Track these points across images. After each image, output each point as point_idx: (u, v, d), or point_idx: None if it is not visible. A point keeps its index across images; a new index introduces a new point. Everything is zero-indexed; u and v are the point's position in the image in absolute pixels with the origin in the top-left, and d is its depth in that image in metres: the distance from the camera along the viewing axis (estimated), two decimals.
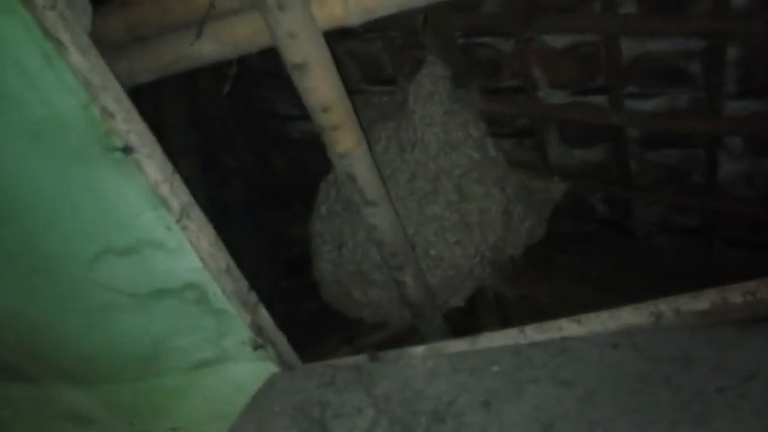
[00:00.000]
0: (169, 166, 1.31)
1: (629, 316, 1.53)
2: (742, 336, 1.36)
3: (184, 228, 1.36)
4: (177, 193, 1.33)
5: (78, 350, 1.61)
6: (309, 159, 3.68)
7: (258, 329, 1.63)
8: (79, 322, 1.54)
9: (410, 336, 2.77)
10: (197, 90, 3.61)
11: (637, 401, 1.30)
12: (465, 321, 3.06)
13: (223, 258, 1.46)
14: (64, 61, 1.12)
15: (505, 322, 3.09)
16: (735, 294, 1.44)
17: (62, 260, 1.39)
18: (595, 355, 1.45)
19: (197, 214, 1.39)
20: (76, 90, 1.15)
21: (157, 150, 1.28)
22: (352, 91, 3.13)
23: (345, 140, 1.63)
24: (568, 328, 1.57)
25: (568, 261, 3.17)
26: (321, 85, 1.50)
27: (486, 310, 3.15)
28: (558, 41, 2.41)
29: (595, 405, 1.32)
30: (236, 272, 1.51)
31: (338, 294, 2.95)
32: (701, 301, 1.46)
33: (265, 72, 3.28)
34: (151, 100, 3.09)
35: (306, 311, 3.44)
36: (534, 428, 1.30)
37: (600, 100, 2.52)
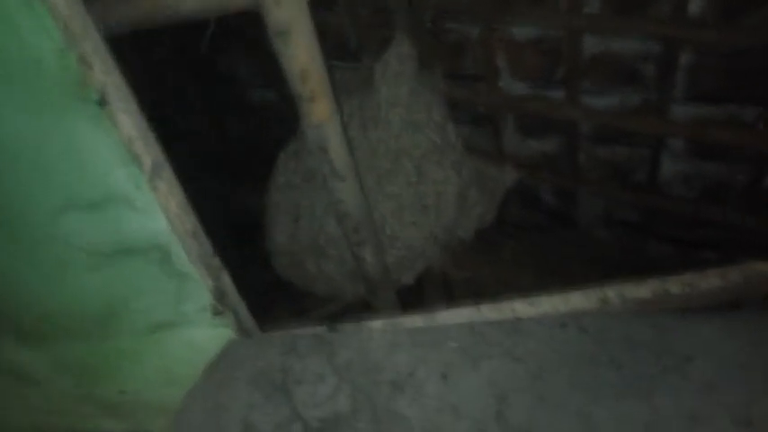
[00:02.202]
0: (144, 122, 1.27)
1: (577, 299, 1.61)
2: (681, 322, 1.46)
3: (154, 187, 1.32)
4: (150, 151, 1.29)
5: (33, 307, 1.54)
6: (267, 128, 3.62)
7: (220, 295, 1.61)
8: (35, 279, 1.47)
9: (361, 310, 2.80)
10: (154, 45, 3.46)
11: (584, 378, 1.37)
12: (413, 299, 3.11)
13: (190, 221, 1.43)
14: (44, 3, 1.06)
15: (450, 302, 3.16)
16: (675, 285, 1.54)
17: (24, 212, 1.32)
18: (546, 335, 1.51)
19: (168, 174, 1.36)
20: (55, 35, 1.09)
21: (133, 105, 1.24)
22: None
23: (321, 111, 1.62)
24: (521, 308, 1.63)
25: (515, 247, 3.28)
26: (302, 53, 1.48)
27: (433, 290, 3.21)
28: (523, 33, 2.46)
29: (545, 381, 1.39)
30: (203, 236, 1.48)
31: (291, 266, 2.94)
32: (644, 289, 1.56)
33: (231, 35, 3.18)
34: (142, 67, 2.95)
35: (256, 282, 3.39)
36: (489, 400, 1.36)
37: (557, 94, 2.60)
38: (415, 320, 1.69)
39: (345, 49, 3.02)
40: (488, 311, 1.66)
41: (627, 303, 1.56)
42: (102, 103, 1.19)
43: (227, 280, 1.62)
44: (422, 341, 1.56)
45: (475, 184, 2.87)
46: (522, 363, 1.46)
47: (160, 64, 3.63)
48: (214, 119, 4.00)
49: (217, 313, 1.64)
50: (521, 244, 3.26)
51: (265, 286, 3.27)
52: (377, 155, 2.65)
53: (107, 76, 1.18)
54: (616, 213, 2.98)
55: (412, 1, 2.50)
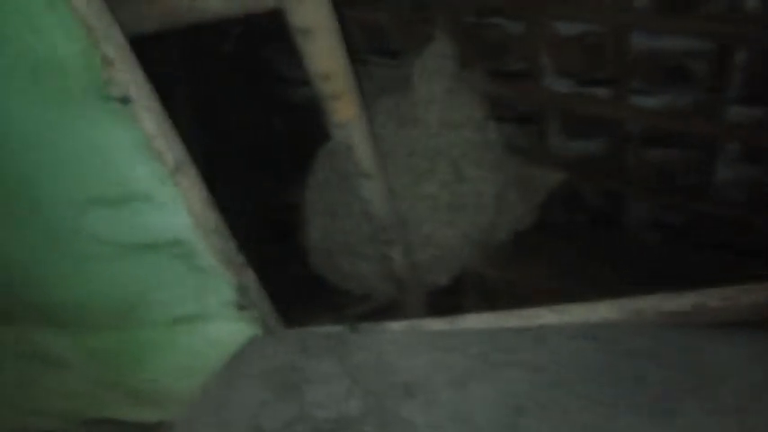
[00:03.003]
0: (166, 121, 1.30)
1: (607, 310, 1.55)
2: (717, 339, 1.38)
3: (177, 183, 1.36)
4: (172, 148, 1.32)
5: (61, 296, 1.61)
6: (310, 126, 3.66)
7: (243, 291, 1.63)
8: (64, 268, 1.54)
9: (394, 310, 2.80)
10: (201, 46, 3.56)
11: (606, 393, 1.32)
12: (447, 300, 3.08)
13: (213, 217, 1.46)
14: (66, 4, 1.10)
15: (487, 305, 3.12)
16: (713, 298, 1.46)
17: (53, 206, 1.38)
18: (570, 346, 1.46)
19: (190, 171, 1.39)
20: (77, 35, 1.13)
21: (155, 103, 1.27)
22: (355, 60, 3.13)
23: (345, 110, 1.62)
24: (547, 316, 1.58)
25: (556, 250, 3.18)
26: (324, 52, 1.49)
27: (469, 292, 3.17)
28: (568, 29, 2.39)
29: (566, 394, 1.34)
30: (225, 231, 1.51)
31: (326, 263, 2.96)
32: (680, 302, 1.48)
33: (274, 34, 3.23)
34: (153, 51, 3.05)
35: (292, 277, 3.45)
36: (503, 411, 1.32)
37: (604, 93, 2.51)
38: (436, 324, 1.67)
39: (387, 47, 3.01)
40: (513, 318, 1.62)
41: (661, 316, 1.49)
42: (125, 101, 1.22)
43: (250, 276, 1.64)
44: (440, 345, 1.54)
45: (515, 184, 2.81)
46: (542, 373, 1.42)
47: (209, 62, 3.72)
48: (260, 117, 4.08)
49: (240, 308, 1.67)
50: (563, 247, 3.17)
51: (302, 283, 3.32)
52: (414, 154, 2.64)
53: (130, 74, 1.22)
54: (664, 217, 2.86)
55: None
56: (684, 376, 1.30)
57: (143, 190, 1.37)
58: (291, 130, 3.99)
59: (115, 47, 1.18)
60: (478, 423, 1.31)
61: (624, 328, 1.49)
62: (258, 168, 4.12)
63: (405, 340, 1.59)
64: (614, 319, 1.52)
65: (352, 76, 1.61)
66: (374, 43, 3.04)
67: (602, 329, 1.49)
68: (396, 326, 1.69)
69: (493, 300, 3.15)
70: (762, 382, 1.20)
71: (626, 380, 1.35)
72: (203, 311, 1.68)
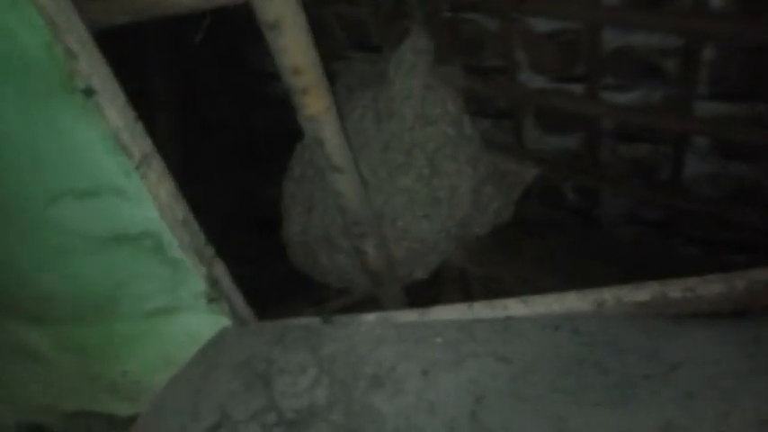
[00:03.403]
0: (131, 113, 1.31)
1: (573, 301, 1.58)
2: (677, 328, 1.41)
3: (143, 176, 1.37)
4: (138, 141, 1.33)
5: (34, 289, 1.62)
6: (290, 120, 3.67)
7: (213, 283, 1.65)
8: (36, 262, 1.55)
9: (372, 304, 2.82)
10: (181, 40, 3.56)
11: (567, 382, 1.35)
12: (428, 294, 3.11)
13: (180, 209, 1.47)
14: None
15: (468, 299, 3.15)
16: (674, 289, 1.49)
17: (21, 199, 1.39)
18: (536, 336, 1.49)
19: (157, 163, 1.40)
20: (40, 28, 1.14)
21: (120, 95, 1.28)
22: (336, 55, 3.15)
23: (315, 104, 1.64)
24: (514, 307, 1.61)
25: (534, 245, 3.21)
26: (293, 46, 1.50)
27: (450, 286, 3.20)
28: (542, 25, 2.42)
29: (528, 383, 1.37)
30: (194, 224, 1.52)
31: (305, 257, 2.98)
32: (641, 293, 1.52)
33: (253, 27, 3.24)
34: (132, 45, 3.05)
35: (274, 272, 3.47)
36: (467, 399, 1.35)
37: (578, 88, 2.54)
38: (408, 315, 1.70)
39: (366, 42, 3.03)
40: (480, 308, 1.65)
41: (623, 306, 1.53)
42: (89, 93, 1.23)
43: (220, 268, 1.66)
44: (409, 336, 1.56)
45: (492, 179, 2.84)
46: (506, 363, 1.44)
47: (190, 58, 3.72)
48: (240, 111, 4.08)
49: (211, 300, 1.69)
50: (541, 242, 3.20)
51: (283, 277, 3.34)
52: (390, 148, 2.66)
53: (93, 67, 1.23)
54: (640, 212, 2.90)
55: None
56: (643, 364, 1.33)
57: (110, 182, 1.38)
58: (271, 125, 4.00)
59: (78, 40, 1.19)
60: (442, 411, 1.34)
61: (588, 318, 1.52)
62: (239, 163, 4.13)
63: (376, 332, 1.61)
64: (579, 310, 1.55)
65: (322, 70, 1.62)
66: (354, 38, 3.05)
67: (566, 320, 1.52)
68: (368, 318, 1.71)
69: (472, 294, 3.18)
70: (715, 366, 1.23)
71: (588, 369, 1.38)
72: (176, 304, 1.69)
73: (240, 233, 3.80)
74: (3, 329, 1.84)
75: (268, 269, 3.42)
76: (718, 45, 2.05)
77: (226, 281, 1.67)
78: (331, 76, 3.14)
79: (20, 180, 1.36)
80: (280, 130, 3.89)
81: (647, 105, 2.42)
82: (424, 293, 3.08)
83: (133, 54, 3.05)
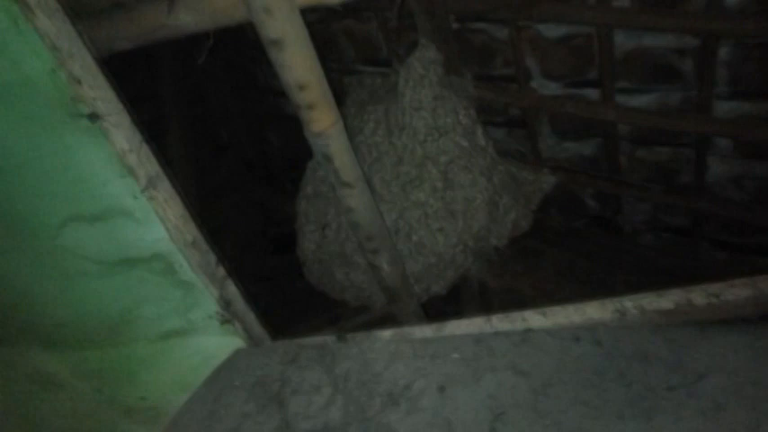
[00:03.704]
0: (137, 135, 1.33)
1: (593, 310, 1.55)
2: (701, 336, 1.38)
3: (151, 198, 1.38)
4: (144, 163, 1.34)
5: (48, 315, 1.64)
6: (302, 137, 3.70)
7: (226, 304, 1.65)
8: (49, 287, 1.57)
9: (390, 321, 2.80)
10: (192, 63, 3.62)
11: (589, 395, 1.32)
12: (447, 310, 3.09)
13: (190, 231, 1.48)
14: (31, 25, 1.13)
15: (489, 313, 3.12)
16: (699, 295, 1.46)
17: (31, 225, 1.41)
18: (556, 348, 1.47)
19: (164, 185, 1.41)
20: (44, 55, 1.17)
21: (125, 119, 1.30)
22: (346, 71, 3.17)
23: (321, 120, 1.64)
24: (533, 319, 1.59)
25: (555, 255, 3.19)
26: (297, 63, 1.51)
27: (470, 300, 3.18)
28: (552, 31, 2.41)
29: (548, 396, 1.35)
30: (204, 244, 1.53)
31: (321, 275, 2.97)
32: (665, 300, 1.48)
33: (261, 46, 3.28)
34: (143, 69, 3.11)
35: (291, 290, 3.47)
36: (485, 415, 1.33)
37: (592, 93, 2.52)
38: (423, 331, 1.68)
39: (376, 56, 3.05)
40: (498, 321, 1.63)
41: (646, 315, 1.50)
42: (94, 117, 1.25)
43: (232, 289, 1.66)
44: (424, 352, 1.55)
45: (508, 189, 2.82)
46: (525, 377, 1.42)
47: (202, 77, 3.78)
48: (253, 130, 4.12)
49: (224, 322, 1.69)
50: (561, 251, 3.17)
51: (300, 295, 3.34)
52: (402, 161, 2.66)
53: (98, 91, 1.25)
54: (663, 218, 2.84)
55: (435, 4, 2.49)
56: (668, 375, 1.30)
57: (118, 205, 1.39)
58: (284, 142, 4.04)
59: (82, 65, 1.21)
60: (459, 429, 1.31)
61: (610, 328, 1.49)
62: (253, 182, 4.17)
63: (391, 348, 1.60)
64: (600, 320, 1.52)
65: (327, 85, 1.63)
66: (363, 53, 3.08)
67: (587, 331, 1.50)
68: (383, 334, 1.70)
69: (495, 307, 3.15)
70: (743, 375, 1.19)
71: (610, 380, 1.35)
72: (188, 326, 1.69)
73: (255, 252, 3.83)
74: (19, 357, 1.86)
75: (284, 287, 3.44)
76: (735, 43, 2.02)
77: (239, 302, 1.67)
78: (342, 92, 3.19)
79: (30, 206, 1.38)
80: (293, 147, 3.95)
81: (664, 108, 2.39)
82: (442, 309, 3.06)
83: (144, 75, 3.11)
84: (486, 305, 3.19)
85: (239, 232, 3.88)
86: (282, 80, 1.57)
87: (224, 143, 4.18)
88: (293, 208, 3.14)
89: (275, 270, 3.63)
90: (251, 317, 1.74)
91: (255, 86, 3.89)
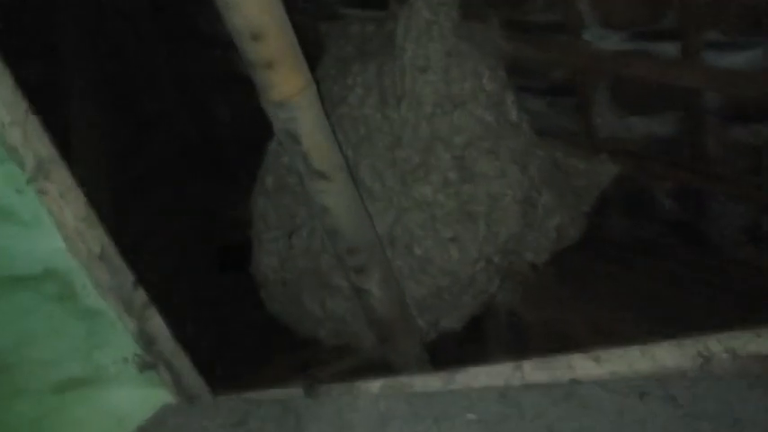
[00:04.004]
0: (22, 103, 1.33)
1: (666, 355, 1.57)
2: None
3: (41, 191, 1.39)
4: (32, 142, 1.35)
5: None
6: (261, 108, 3.70)
7: (147, 343, 1.66)
8: None
9: (383, 368, 2.80)
10: (107, 5, 3.62)
11: None
12: (463, 353, 3.09)
13: (97, 238, 1.48)
14: None
15: (522, 357, 3.12)
16: None
17: None
18: (613, 407, 1.49)
19: (61, 174, 1.41)
20: None
21: (5, 79, 1.30)
22: (323, 14, 3.18)
23: (284, 83, 1.64)
24: (581, 365, 1.61)
25: (615, 276, 3.20)
26: (250, 3, 1.51)
27: (495, 339, 3.18)
28: None
29: None
30: (117, 259, 1.53)
31: (286, 301, 2.98)
32: (765, 342, 1.50)
33: None
34: (41, 14, 3.11)
35: (242, 324, 3.48)
36: None
37: (669, 49, 2.53)
38: (425, 382, 1.69)
39: None
40: (533, 370, 1.65)
41: (740, 362, 1.51)
42: None
43: (157, 321, 1.67)
44: (429, 412, 1.56)
45: (551, 183, 2.82)
46: None
47: (121, 24, 3.79)
48: (192, 97, 4.12)
49: (144, 368, 1.69)
50: (624, 271, 3.18)
51: (256, 330, 3.34)
52: (401, 143, 2.66)
53: None
54: (765, 225, 2.86)
55: None
56: None
57: None
58: (236, 116, 4.03)
59: None
60: None
61: (689, 380, 1.50)
62: (191, 171, 4.17)
63: (381, 406, 1.61)
64: (676, 368, 1.54)
65: (293, 35, 1.63)
66: None
67: (657, 383, 1.52)
68: (371, 386, 1.71)
69: (527, 351, 3.16)
70: None
71: None
72: (95, 373, 1.70)
73: (193, 269, 3.82)
74: None
75: (233, 320, 3.43)
76: None
77: (166, 340, 1.68)
78: (317, 45, 3.19)
79: None
80: (248, 121, 3.95)
81: None
82: (455, 352, 3.07)
83: (35, 18, 3.11)
84: (518, 346, 3.20)
85: (170, 241, 3.87)
86: (229, 26, 1.57)
87: (151, 116, 4.18)
88: (248, 207, 3.14)
89: (221, 295, 3.62)
90: (183, 361, 1.74)
91: (195, 36, 3.88)
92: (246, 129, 3.92)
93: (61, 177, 1.41)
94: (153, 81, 4.13)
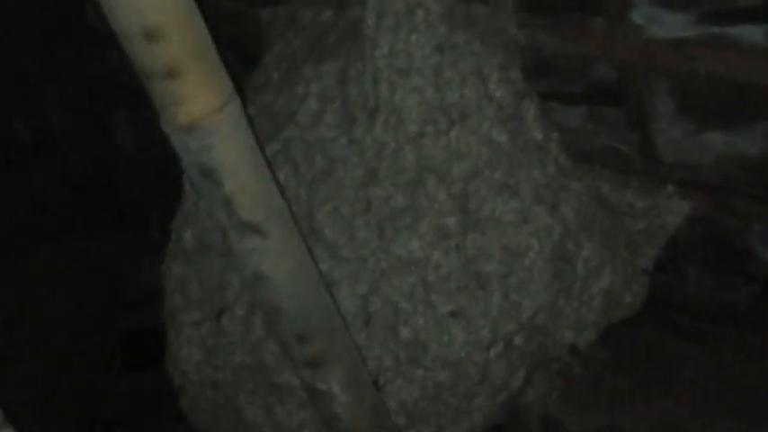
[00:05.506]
0: None
1: None
2: None
3: None
4: None
5: None
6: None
7: None
8: None
9: None
10: None
11: None
12: None
13: None
14: None
15: None
16: None
17: None
18: None
19: None
20: None
21: None
22: None
23: (195, 99, 1.62)
24: None
25: (695, 358, 3.19)
26: None
27: None
28: None
29: None
30: None
31: (214, 411, 2.95)
32: None
33: None
34: None
35: None
36: None
37: (753, 34, 2.55)
38: None
39: None
40: None
41: None
42: None
43: None
44: None
45: (593, 228, 2.81)
46: None
47: None
48: (85, 115, 4.15)
49: None
50: (708, 354, 3.17)
51: None
52: (377, 177, 2.65)
53: None
54: None
55: None
56: None
57: None
58: (145, 140, 4.05)
59: None
60: None
61: None
62: (84, 219, 4.18)
63: None
64: None
65: (204, 28, 1.63)
66: None
67: None
68: None
69: None
70: None
71: None
72: None
73: (86, 364, 3.80)
74: None
75: None
76: None
77: None
78: (256, 40, 3.21)
79: None
80: (158, 150, 3.96)
81: None
82: None
83: None
84: None
85: (53, 322, 3.87)
86: (111, 21, 1.57)
87: (28, 141, 4.21)
88: (159, 274, 3.13)
89: (125, 402, 3.62)
90: None
91: (89, 33, 3.92)
92: (158, 159, 3.94)
93: None
94: (31, 93, 4.16)
